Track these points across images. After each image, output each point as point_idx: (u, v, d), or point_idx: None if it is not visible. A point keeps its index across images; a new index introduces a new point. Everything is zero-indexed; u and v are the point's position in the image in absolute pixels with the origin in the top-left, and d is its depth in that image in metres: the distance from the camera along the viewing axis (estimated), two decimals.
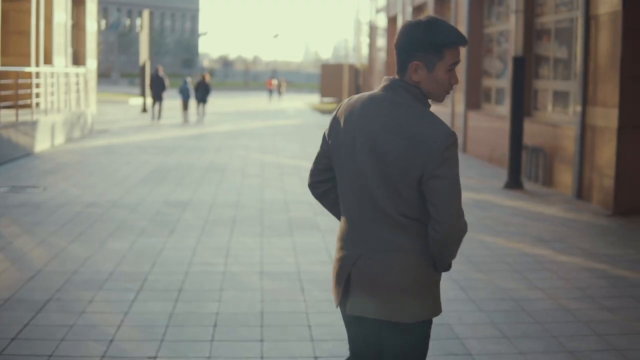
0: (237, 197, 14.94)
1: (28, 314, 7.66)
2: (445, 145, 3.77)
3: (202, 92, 38.60)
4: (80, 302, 8.12)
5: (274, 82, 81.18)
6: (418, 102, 3.91)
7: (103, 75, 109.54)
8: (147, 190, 15.57)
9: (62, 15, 29.00)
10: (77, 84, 29.13)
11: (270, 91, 77.60)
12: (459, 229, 3.88)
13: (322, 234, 11.74)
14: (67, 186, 15.85)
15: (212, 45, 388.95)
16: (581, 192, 15.30)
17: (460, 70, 24.68)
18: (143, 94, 44.23)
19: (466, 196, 15.03)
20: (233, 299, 8.30)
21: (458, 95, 25.19)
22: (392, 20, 41.34)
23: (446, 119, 25.82)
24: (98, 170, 18.57)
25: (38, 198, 14.34)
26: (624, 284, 9.29)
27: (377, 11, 46.09)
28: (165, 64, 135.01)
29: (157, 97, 37.32)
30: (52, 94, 26.31)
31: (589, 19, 15.05)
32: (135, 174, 17.91)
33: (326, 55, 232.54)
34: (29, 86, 23.31)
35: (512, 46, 17.83)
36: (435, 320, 7.60)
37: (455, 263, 9.81)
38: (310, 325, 7.49)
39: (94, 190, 15.49)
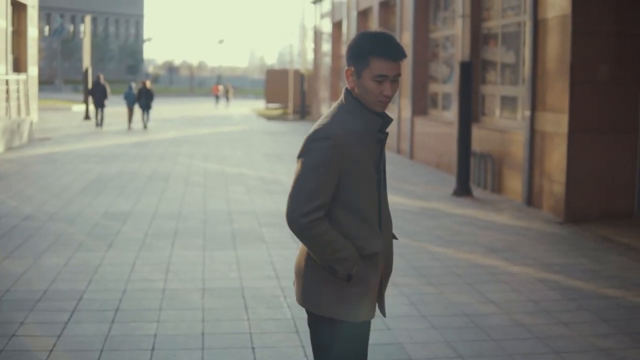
0: (180, 208, 14.50)
1: None
2: (312, 137, 4.05)
3: (145, 99, 38.14)
4: (10, 324, 7.64)
5: (220, 87, 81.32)
6: (344, 104, 4.14)
7: (46, 82, 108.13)
8: (87, 201, 15.07)
9: (2, 22, 28.37)
10: (18, 91, 28.45)
11: (217, 97, 77.58)
12: (294, 222, 4.03)
13: (267, 246, 11.34)
14: (4, 198, 15.29)
15: (157, 51, 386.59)
16: (531, 198, 15.07)
17: (406, 76, 24.47)
18: (86, 101, 43.55)
19: (414, 204, 14.73)
20: (173, 319, 7.88)
21: (404, 101, 24.94)
22: (336, 25, 41.05)
23: (393, 125, 25.53)
24: (37, 181, 18.02)
25: None
26: (579, 295, 9.02)
27: (322, 16, 45.78)
28: (109, 70, 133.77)
29: (100, 105, 37.01)
30: None
31: (538, 22, 14.83)
32: (76, 184, 17.38)
33: (271, 60, 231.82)
34: None
35: (458, 51, 17.59)
36: (385, 339, 7.30)
37: (404, 276, 9.50)
38: (254, 347, 7.09)
39: (31, 201, 14.96)
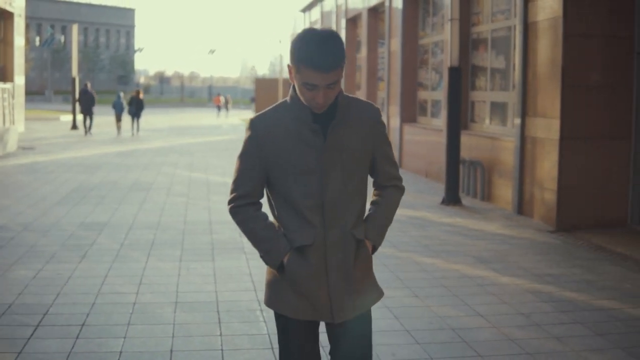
0: (159, 218, 14.05)
1: None
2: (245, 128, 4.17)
3: (136, 108, 39.64)
4: None
5: (222, 98, 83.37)
6: (287, 97, 4.15)
7: (37, 93, 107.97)
8: (64, 211, 14.62)
9: None
10: (3, 100, 28.01)
11: (219, 107, 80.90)
12: (230, 210, 4.21)
13: (247, 257, 10.89)
14: None
15: (148, 62, 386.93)
16: (522, 207, 14.68)
17: (395, 83, 24.18)
18: (73, 111, 43.24)
19: (402, 213, 14.30)
20: (141, 335, 7.42)
21: (393, 109, 24.61)
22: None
23: None
24: (16, 190, 17.59)
25: None
26: (572, 307, 8.59)
27: (311, 24, 45.48)
28: (100, 81, 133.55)
29: (87, 111, 38.02)
30: None
31: (528, 26, 14.46)
32: (54, 194, 16.94)
33: (263, 70, 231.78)
34: None
35: (447, 56, 17.20)
36: None
37: (388, 288, 9.02)
38: None
39: (7, 211, 14.51)
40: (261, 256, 4.17)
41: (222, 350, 7.04)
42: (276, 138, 4.04)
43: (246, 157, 4.13)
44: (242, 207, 4.15)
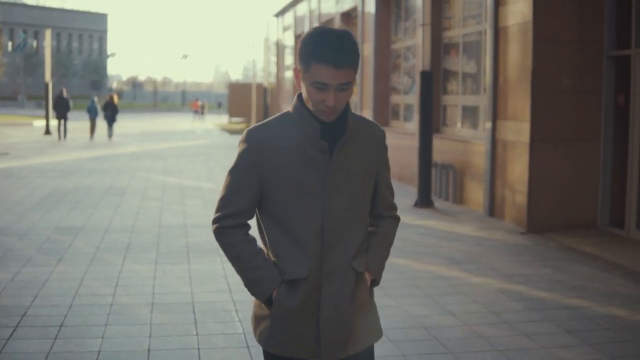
0: (134, 222, 14.13)
1: None
2: (240, 140, 3.75)
3: (111, 112, 40.13)
4: None
5: (199, 103, 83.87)
6: (290, 108, 3.76)
7: (9, 98, 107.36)
8: (39, 215, 14.67)
9: None
10: None
11: (195, 112, 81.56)
12: (214, 231, 3.76)
13: (222, 259, 10.99)
14: None
15: (121, 67, 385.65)
16: (493, 209, 14.86)
17: (368, 87, 24.30)
18: (47, 116, 43.15)
19: None
20: (118, 335, 7.53)
21: (366, 113, 24.73)
22: (299, 38, 40.77)
23: None
24: None
25: None
26: (542, 306, 8.76)
27: (285, 29, 45.61)
28: (73, 86, 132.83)
29: (62, 117, 38.41)
30: None
31: (498, 30, 14.65)
32: (29, 199, 16.97)
33: (236, 75, 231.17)
34: None
35: (419, 61, 17.36)
36: None
37: None
38: None
39: None
40: (246, 285, 3.75)
41: (198, 349, 7.16)
42: (275, 152, 3.61)
43: (239, 172, 3.70)
44: (228, 228, 3.70)
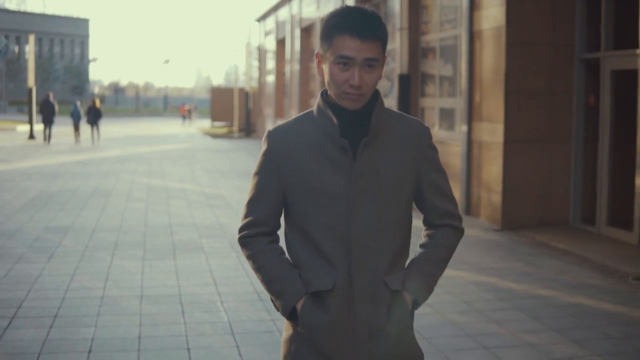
0: (120, 222, 14.51)
1: None
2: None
3: (94, 116, 40.48)
4: None
5: (187, 107, 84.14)
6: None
7: None
8: (27, 216, 15.02)
9: None
10: None
11: (184, 117, 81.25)
12: (238, 242, 3.46)
13: (206, 255, 11.43)
14: None
15: (103, 72, 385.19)
16: (470, 208, 15.29)
17: None
18: (30, 121, 43.31)
19: None
20: (110, 324, 7.94)
21: None
22: (280, 43, 41.19)
23: None
24: None
25: None
26: (511, 296, 9.22)
27: (266, 34, 45.94)
28: (55, 91, 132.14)
29: (48, 121, 39.18)
30: None
31: (473, 34, 15.08)
32: (16, 201, 17.30)
33: (218, 80, 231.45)
34: None
35: (397, 64, 17.77)
36: None
37: None
38: (190, 349, 7.18)
39: None
40: (272, 300, 3.40)
41: (186, 335, 7.58)
42: (296, 153, 3.27)
43: (262, 174, 3.35)
44: (252, 237, 3.38)
